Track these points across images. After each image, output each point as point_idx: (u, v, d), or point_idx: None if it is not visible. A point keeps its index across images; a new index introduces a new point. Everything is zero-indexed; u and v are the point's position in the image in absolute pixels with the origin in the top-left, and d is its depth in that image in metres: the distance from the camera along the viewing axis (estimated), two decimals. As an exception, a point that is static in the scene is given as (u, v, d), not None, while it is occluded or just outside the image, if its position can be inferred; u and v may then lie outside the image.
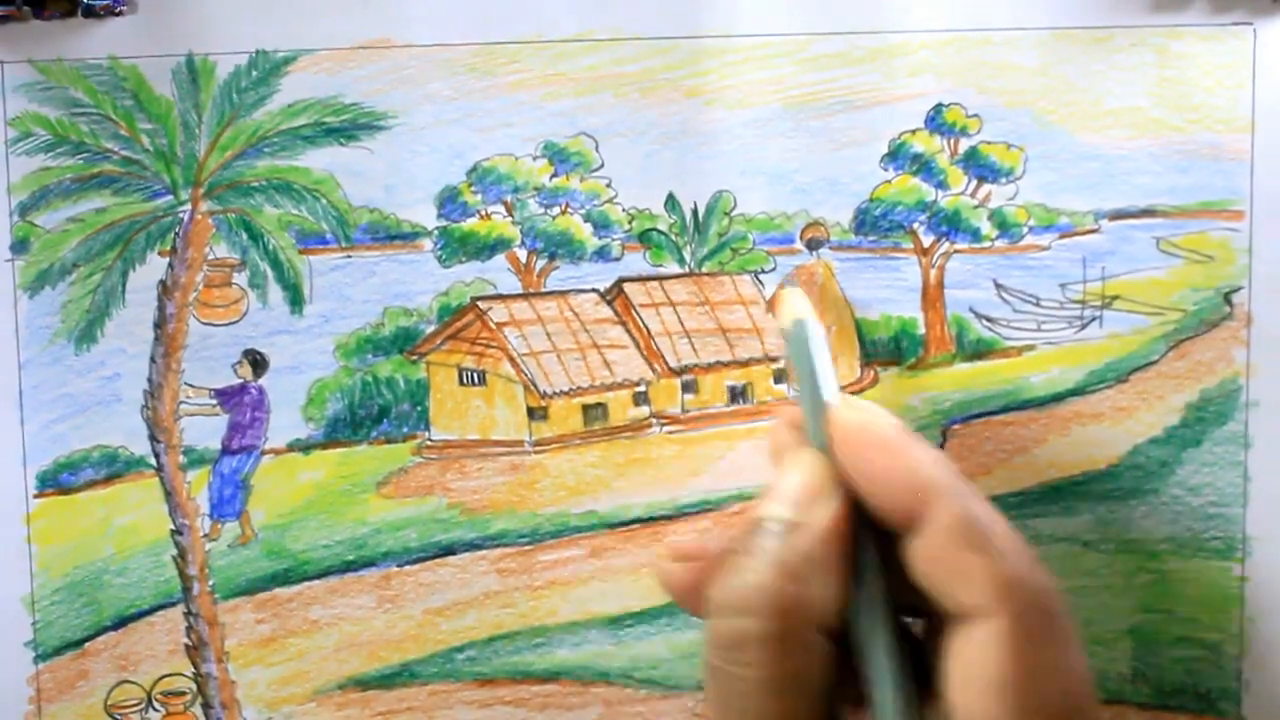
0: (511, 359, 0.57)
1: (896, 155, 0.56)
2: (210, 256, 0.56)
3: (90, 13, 0.55)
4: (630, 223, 0.57)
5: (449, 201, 0.56)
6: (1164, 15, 0.55)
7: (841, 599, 0.38)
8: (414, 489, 0.57)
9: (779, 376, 0.58)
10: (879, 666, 0.38)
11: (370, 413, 0.57)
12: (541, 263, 0.57)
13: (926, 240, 0.57)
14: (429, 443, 0.57)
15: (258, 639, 0.57)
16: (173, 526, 0.57)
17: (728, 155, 0.56)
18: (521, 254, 0.57)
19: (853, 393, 0.57)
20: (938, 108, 0.56)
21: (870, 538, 0.39)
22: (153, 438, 0.57)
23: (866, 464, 0.38)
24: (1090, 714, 0.37)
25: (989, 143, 0.56)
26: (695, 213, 0.56)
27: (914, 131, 0.56)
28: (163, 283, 0.56)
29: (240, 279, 0.57)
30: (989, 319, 0.57)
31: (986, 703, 0.35)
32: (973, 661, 0.36)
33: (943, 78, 0.56)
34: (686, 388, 0.58)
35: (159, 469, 0.57)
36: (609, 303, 0.57)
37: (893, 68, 0.56)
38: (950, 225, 0.57)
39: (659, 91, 0.56)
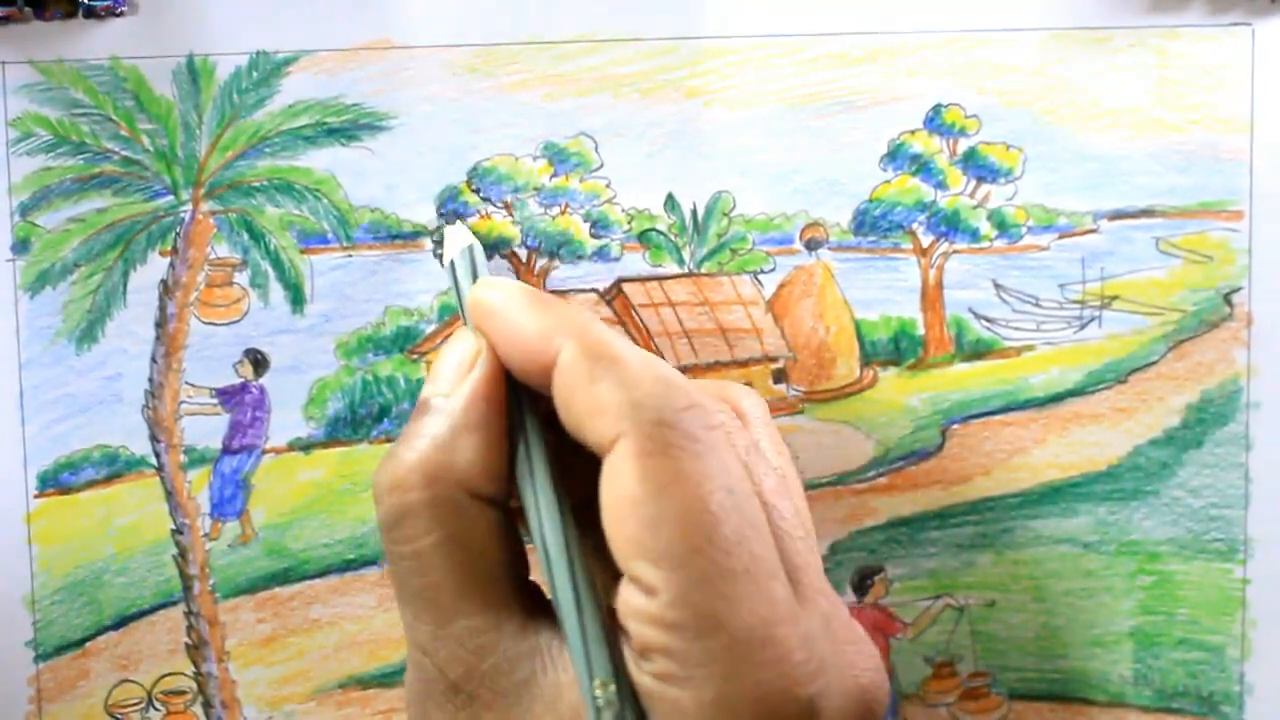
0: (511, 359, 0.57)
1: (896, 156, 0.56)
2: (211, 256, 0.57)
3: (91, 13, 0.55)
4: (630, 223, 0.57)
5: (449, 201, 0.56)
6: (1163, 16, 0.55)
7: (490, 461, 0.39)
8: (414, 489, 0.57)
9: (779, 376, 0.58)
10: (538, 522, 0.39)
11: (371, 412, 0.57)
12: (541, 262, 0.57)
13: (925, 241, 0.57)
14: (429, 443, 0.57)
15: (258, 638, 0.57)
16: (173, 526, 0.57)
17: (727, 155, 0.56)
18: (521, 253, 0.57)
19: (851, 393, 0.57)
20: (937, 108, 0.56)
21: (522, 401, 0.40)
22: (153, 437, 0.57)
23: (499, 329, 0.40)
24: (739, 519, 0.37)
25: (988, 143, 0.56)
26: (695, 213, 0.57)
27: (913, 132, 0.56)
28: (164, 282, 0.56)
29: (241, 279, 0.57)
30: (988, 319, 0.57)
31: (625, 525, 0.36)
32: (608, 487, 0.36)
33: (942, 78, 0.56)
34: (686, 388, 0.58)
35: (160, 469, 0.57)
36: (608, 303, 0.57)
37: (892, 68, 0.56)
38: (949, 225, 0.57)
39: (659, 92, 0.56)
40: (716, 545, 0.36)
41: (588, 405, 0.37)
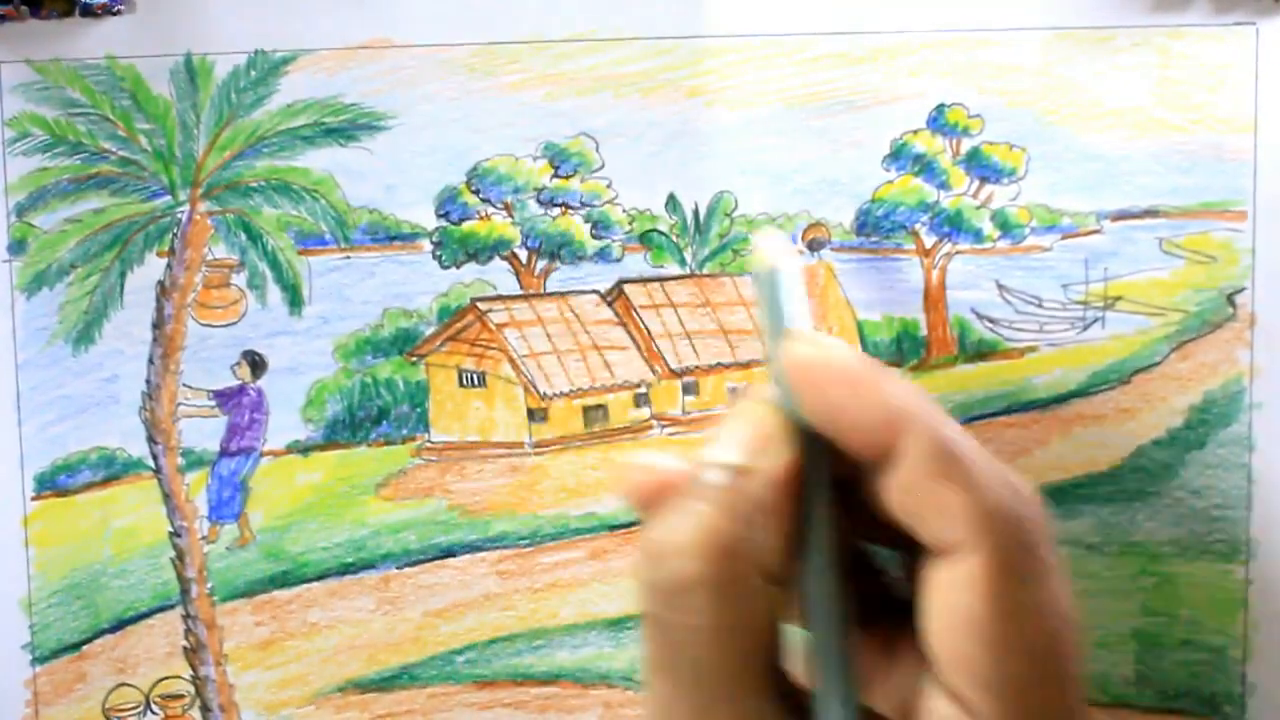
0: (511, 360, 0.57)
1: (898, 156, 0.56)
2: (209, 257, 0.56)
3: (88, 12, 0.55)
4: (631, 224, 0.57)
5: (448, 202, 0.56)
6: (1166, 15, 0.55)
7: (788, 546, 0.36)
8: (413, 491, 0.57)
9: (780, 378, 0.58)
10: (820, 614, 0.36)
11: (369, 414, 0.57)
12: (542, 264, 0.57)
13: (928, 241, 0.57)
14: (428, 444, 0.57)
15: (256, 641, 0.57)
16: (171, 528, 0.57)
17: (729, 156, 0.56)
18: (522, 255, 0.57)
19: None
20: (939, 108, 0.56)
21: (824, 483, 0.37)
22: (151, 439, 0.57)
23: (830, 398, 0.36)
24: (1073, 653, 0.35)
25: (991, 143, 0.56)
26: (696, 213, 0.56)
27: (915, 132, 0.56)
28: (161, 283, 0.56)
29: (239, 280, 0.56)
30: (991, 320, 0.56)
31: (964, 643, 0.34)
32: (950, 600, 0.35)
33: (944, 78, 0.56)
34: (687, 389, 0.58)
35: (157, 471, 0.57)
36: (609, 304, 0.57)
37: (894, 68, 0.56)
38: (952, 226, 0.56)
39: (660, 92, 0.56)
40: (1058, 681, 0.35)
41: (933, 503, 0.35)
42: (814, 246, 0.57)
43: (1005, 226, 0.56)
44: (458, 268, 0.57)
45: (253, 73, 0.55)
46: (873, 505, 0.37)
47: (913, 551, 0.37)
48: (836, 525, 0.37)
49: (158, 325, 0.56)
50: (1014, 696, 0.34)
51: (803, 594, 0.37)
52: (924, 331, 0.57)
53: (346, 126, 0.56)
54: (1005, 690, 0.34)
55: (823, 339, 0.38)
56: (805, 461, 0.37)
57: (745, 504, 0.36)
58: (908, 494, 0.35)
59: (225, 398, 0.57)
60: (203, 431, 0.57)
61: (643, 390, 0.58)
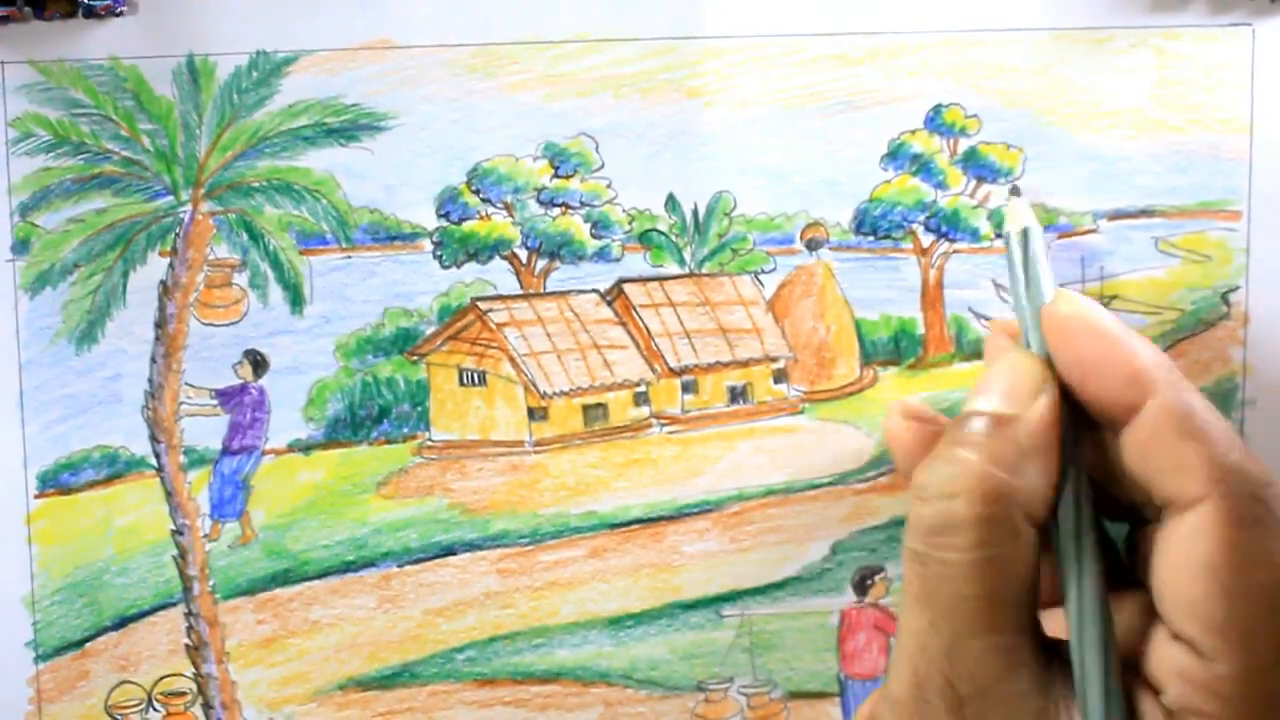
0: (512, 359, 0.57)
1: (896, 155, 0.56)
2: (211, 257, 0.56)
3: (91, 13, 0.55)
4: (630, 223, 0.57)
5: (449, 202, 0.56)
6: (1163, 16, 0.55)
7: (1050, 491, 0.38)
8: (414, 489, 0.57)
9: (779, 376, 0.58)
10: (1078, 560, 0.38)
11: (370, 413, 0.57)
12: (542, 263, 0.57)
13: (926, 240, 0.57)
14: (429, 443, 0.58)
15: (258, 639, 0.57)
16: (173, 527, 0.57)
17: (728, 156, 0.56)
18: (522, 254, 0.57)
19: (852, 393, 0.57)
20: (937, 108, 0.56)
21: (1074, 437, 0.39)
22: (153, 438, 0.57)
23: (1083, 354, 0.39)
24: None
25: (988, 143, 0.56)
26: (695, 213, 0.57)
27: (913, 132, 0.56)
28: (163, 283, 0.56)
29: (241, 279, 0.57)
30: (988, 319, 0.57)
31: (1197, 586, 0.36)
32: (1184, 547, 0.36)
33: (942, 78, 0.56)
34: (686, 388, 0.58)
35: (159, 469, 0.57)
36: (609, 303, 0.58)
37: (892, 68, 0.56)
38: (949, 225, 0.57)
39: (659, 92, 0.56)
40: None
41: (1172, 460, 0.37)
42: (812, 246, 0.57)
43: (1002, 226, 0.56)
44: (458, 267, 0.57)
45: (254, 73, 0.56)
46: (1102, 470, 0.39)
47: (1134, 520, 0.40)
48: (1087, 479, 0.39)
49: (160, 324, 0.56)
50: (1245, 639, 0.35)
51: (1060, 539, 0.39)
52: (921, 330, 0.57)
53: (347, 127, 0.56)
54: (1237, 633, 0.35)
55: (1081, 299, 0.40)
56: (1065, 413, 0.39)
57: (1010, 449, 0.38)
58: (1149, 449, 0.37)
59: (227, 396, 0.57)
60: (205, 430, 0.57)
61: (642, 389, 0.58)
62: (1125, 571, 0.41)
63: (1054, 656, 0.38)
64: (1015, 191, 0.51)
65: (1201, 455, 0.36)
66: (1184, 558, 0.36)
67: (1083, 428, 0.39)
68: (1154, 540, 0.37)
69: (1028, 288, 0.42)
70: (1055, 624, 0.40)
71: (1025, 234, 0.43)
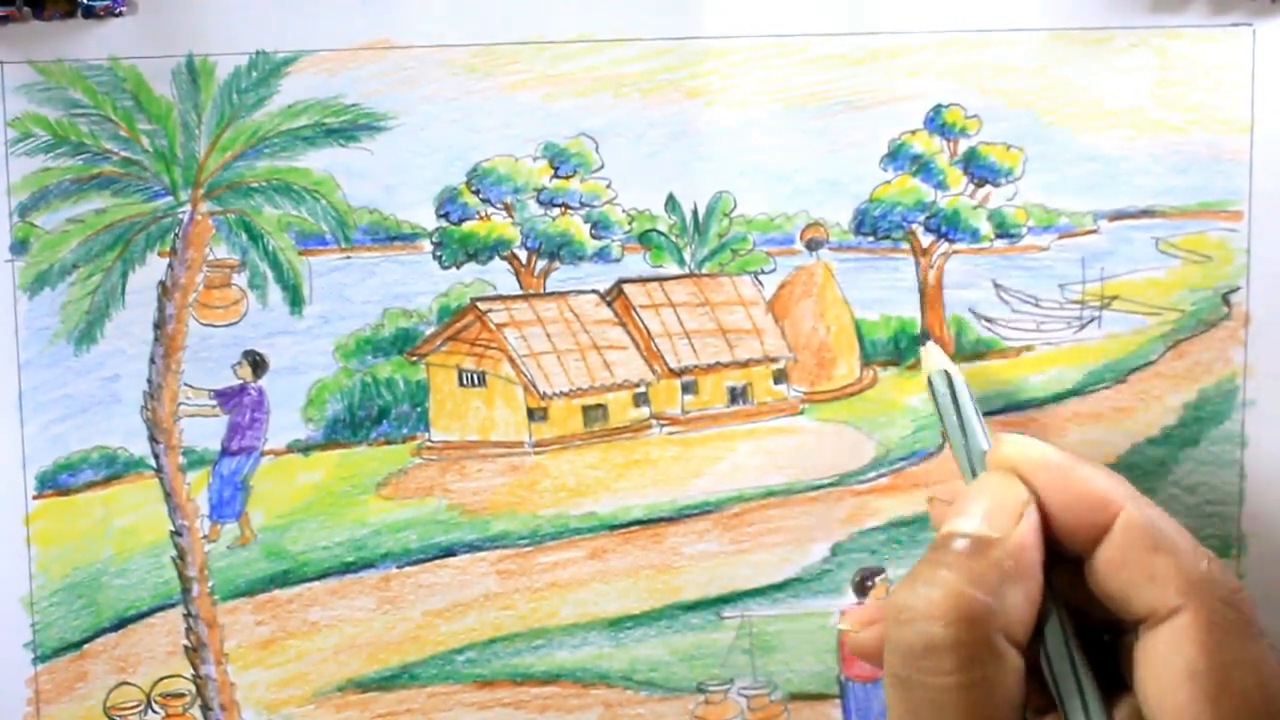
0: (511, 360, 0.57)
1: (896, 156, 0.56)
2: (210, 257, 0.56)
3: (90, 13, 0.55)
4: (630, 224, 0.57)
5: (448, 202, 0.56)
6: (1163, 16, 0.55)
7: (1032, 613, 0.39)
8: (414, 490, 0.57)
9: (779, 377, 0.58)
10: (1071, 677, 0.39)
11: (370, 414, 0.57)
12: (541, 264, 0.57)
13: (925, 241, 0.57)
14: (429, 444, 0.57)
15: (257, 640, 0.57)
16: (172, 528, 0.57)
17: (728, 156, 0.56)
18: (522, 255, 0.57)
19: (852, 393, 0.57)
20: (937, 108, 0.56)
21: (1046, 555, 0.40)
22: (152, 439, 0.57)
23: (1039, 489, 0.40)
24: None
25: (988, 143, 0.56)
26: (695, 213, 0.57)
27: (913, 132, 0.56)
28: (162, 283, 0.56)
29: (240, 280, 0.57)
30: (988, 319, 0.57)
31: (1181, 692, 0.37)
32: (1165, 656, 0.37)
33: (942, 78, 0.56)
34: (686, 389, 0.58)
35: (158, 470, 0.57)
36: (609, 304, 0.57)
37: (893, 68, 0.56)
38: (949, 226, 0.57)
39: (659, 92, 0.56)
40: None
41: (1143, 573, 0.38)
42: (812, 246, 0.57)
43: (1002, 226, 0.56)
44: (458, 268, 0.57)
45: (254, 73, 0.56)
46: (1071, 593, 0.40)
47: (1112, 633, 0.41)
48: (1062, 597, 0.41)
49: (159, 325, 0.56)
50: None
51: (1046, 660, 0.40)
52: (921, 330, 0.57)
53: (347, 127, 0.56)
54: None
55: (1020, 439, 0.42)
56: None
57: (990, 571, 0.39)
58: (1120, 565, 0.39)
59: (226, 397, 0.57)
60: (204, 431, 0.57)
61: (642, 389, 0.58)
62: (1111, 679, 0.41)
63: None
64: (924, 337, 0.52)
65: (1173, 566, 0.38)
66: (1166, 666, 0.37)
67: (1049, 557, 0.40)
68: (1135, 650, 0.39)
69: (962, 431, 0.45)
70: None
71: (947, 376, 0.46)
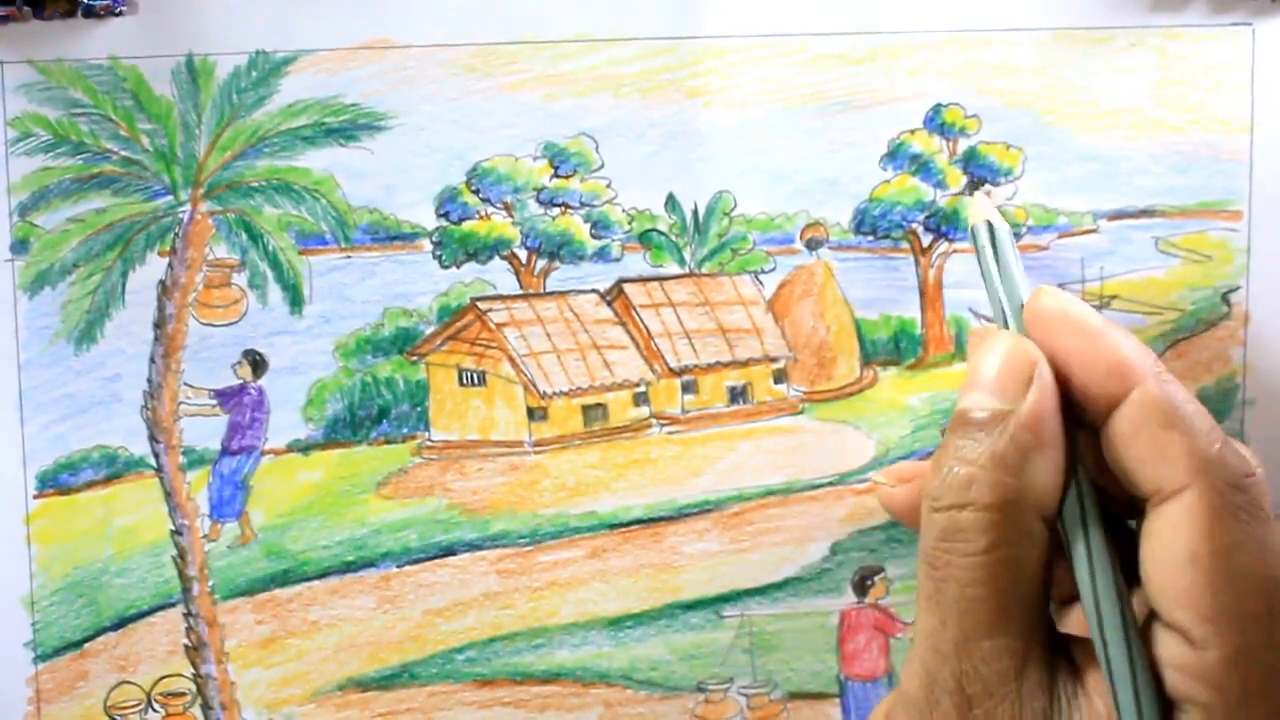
0: (511, 359, 0.57)
1: (896, 155, 0.56)
2: (210, 257, 0.56)
3: (90, 13, 0.55)
4: (630, 223, 0.57)
5: (448, 202, 0.56)
6: (1163, 16, 0.55)
7: (1060, 482, 0.38)
8: (414, 489, 0.57)
9: (779, 376, 0.58)
10: (1086, 553, 0.38)
11: (370, 413, 0.57)
12: (541, 263, 0.57)
13: (925, 240, 0.57)
14: (429, 443, 0.57)
15: (257, 640, 0.57)
16: (172, 527, 0.57)
17: (728, 156, 0.56)
18: (521, 254, 0.57)
19: (852, 393, 0.57)
20: (937, 108, 0.56)
21: (1068, 420, 0.39)
22: (152, 438, 0.57)
23: (1066, 349, 0.38)
24: None
25: (988, 143, 0.56)
26: (695, 213, 0.57)
27: (913, 131, 0.56)
28: (162, 283, 0.56)
29: (240, 279, 0.57)
30: (988, 319, 0.57)
31: (1181, 576, 0.36)
32: (1167, 537, 0.36)
33: (942, 78, 0.56)
34: (686, 388, 0.58)
35: (159, 469, 0.57)
36: (609, 303, 0.57)
37: (892, 68, 0.56)
38: (949, 225, 0.57)
39: (659, 92, 0.56)
40: (1277, 616, 0.36)
41: (1154, 449, 0.37)
42: (812, 245, 0.57)
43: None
44: (458, 267, 0.57)
45: (254, 73, 0.56)
46: (1091, 465, 0.39)
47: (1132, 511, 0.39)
48: (1087, 466, 0.39)
49: (159, 324, 0.56)
50: (1234, 628, 0.35)
51: (1066, 533, 0.39)
52: (921, 330, 0.57)
53: (347, 126, 0.56)
54: (1225, 620, 0.35)
55: (1061, 293, 0.40)
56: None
57: (1012, 450, 0.37)
58: (1131, 439, 0.37)
59: (226, 397, 0.57)
60: (204, 430, 0.57)
61: (642, 389, 0.58)
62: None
63: (1061, 654, 0.38)
64: (973, 187, 0.51)
65: (1184, 446, 0.36)
66: (1169, 547, 0.36)
67: (1071, 422, 0.39)
68: (1140, 532, 0.38)
69: (1002, 283, 0.42)
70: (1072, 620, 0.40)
71: (990, 228, 0.42)
